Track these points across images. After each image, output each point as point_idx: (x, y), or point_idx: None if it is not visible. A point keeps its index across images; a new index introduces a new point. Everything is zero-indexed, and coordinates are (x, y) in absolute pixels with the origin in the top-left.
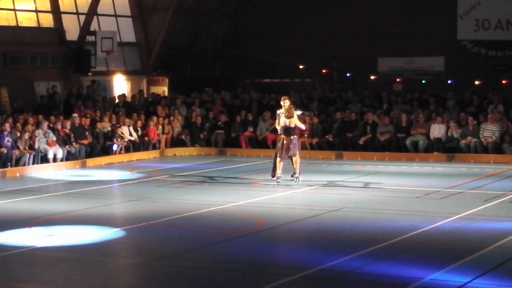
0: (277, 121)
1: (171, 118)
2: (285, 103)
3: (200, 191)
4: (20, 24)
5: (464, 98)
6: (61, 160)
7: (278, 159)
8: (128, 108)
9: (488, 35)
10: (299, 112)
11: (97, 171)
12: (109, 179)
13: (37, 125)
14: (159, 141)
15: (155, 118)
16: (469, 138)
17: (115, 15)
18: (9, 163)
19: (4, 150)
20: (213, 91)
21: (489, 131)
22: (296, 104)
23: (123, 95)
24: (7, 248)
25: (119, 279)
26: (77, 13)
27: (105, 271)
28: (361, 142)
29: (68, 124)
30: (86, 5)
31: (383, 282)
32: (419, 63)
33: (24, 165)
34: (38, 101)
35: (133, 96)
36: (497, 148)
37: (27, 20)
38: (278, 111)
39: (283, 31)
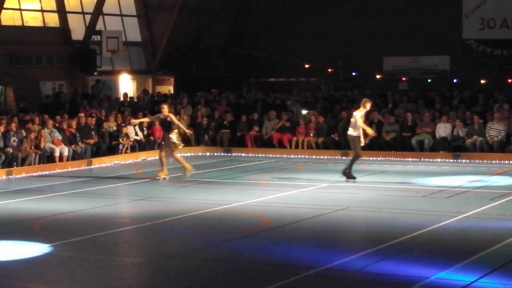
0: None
1: (177, 117)
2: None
3: (206, 190)
4: (25, 24)
5: (468, 96)
6: (67, 159)
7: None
8: (134, 107)
9: (494, 34)
10: (304, 111)
11: None
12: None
13: (43, 124)
14: None
15: None
16: (474, 137)
17: (121, 15)
18: (15, 163)
19: (10, 150)
20: (219, 91)
21: (495, 130)
22: (300, 103)
23: (126, 94)
24: (13, 247)
25: (124, 278)
26: (83, 13)
27: (110, 270)
28: (366, 141)
29: (74, 123)
30: (91, 4)
31: (389, 281)
32: (424, 62)
33: (30, 164)
34: (44, 100)
35: (138, 96)
36: (502, 146)
37: (32, 19)
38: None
39: (288, 30)
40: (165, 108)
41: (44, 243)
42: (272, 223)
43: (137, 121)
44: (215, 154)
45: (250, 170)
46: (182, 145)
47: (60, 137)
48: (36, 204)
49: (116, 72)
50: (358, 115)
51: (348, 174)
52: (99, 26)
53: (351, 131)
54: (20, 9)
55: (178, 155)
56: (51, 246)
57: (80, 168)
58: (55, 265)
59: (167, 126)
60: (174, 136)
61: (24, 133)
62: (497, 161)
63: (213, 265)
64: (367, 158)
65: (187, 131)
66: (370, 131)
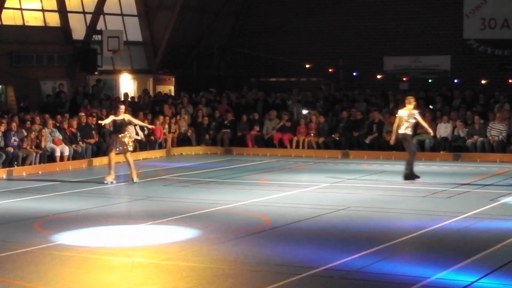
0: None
1: (178, 117)
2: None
3: (207, 190)
4: (26, 23)
5: (469, 96)
6: (68, 159)
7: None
8: (135, 107)
9: (494, 34)
10: (305, 111)
11: None
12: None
13: (44, 124)
14: (166, 140)
15: (161, 117)
16: (475, 137)
17: (121, 14)
18: (15, 162)
19: (11, 149)
20: (217, 91)
21: (496, 130)
22: (301, 103)
23: (126, 94)
24: (12, 247)
25: (125, 278)
26: (84, 12)
27: (111, 270)
28: (367, 141)
29: (74, 123)
30: (92, 4)
31: (389, 281)
32: (425, 62)
33: (30, 164)
34: (44, 100)
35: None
36: (502, 147)
37: (33, 19)
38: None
39: (289, 29)
40: (122, 109)
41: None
42: (273, 223)
43: (106, 121)
44: (216, 153)
45: (250, 170)
46: (131, 149)
47: (60, 137)
48: (36, 204)
49: (116, 72)
50: (405, 114)
51: (410, 175)
52: (100, 25)
53: (403, 130)
54: (21, 9)
55: (131, 159)
56: (52, 245)
57: (81, 167)
58: (55, 264)
59: (119, 128)
60: (126, 138)
61: (24, 133)
62: (498, 162)
63: (214, 265)
64: (367, 158)
65: (150, 126)
66: (429, 130)
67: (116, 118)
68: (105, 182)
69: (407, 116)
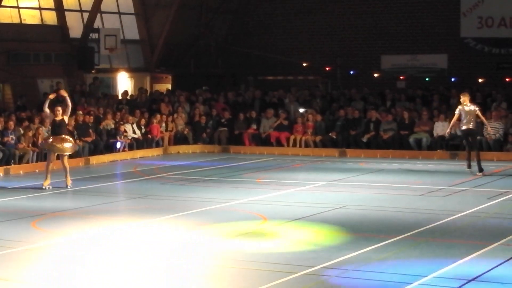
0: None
1: (175, 115)
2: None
3: (204, 188)
4: (23, 22)
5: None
6: None
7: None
8: (132, 105)
9: (492, 33)
10: (302, 110)
11: None
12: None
13: (41, 122)
14: (162, 139)
15: (158, 115)
16: None
17: (119, 13)
18: (12, 160)
19: (11, 140)
20: (210, 89)
21: (493, 129)
22: (299, 102)
23: (126, 92)
24: (10, 245)
25: (123, 276)
26: (81, 11)
27: (109, 268)
28: (364, 139)
29: (71, 121)
30: (89, 2)
31: (387, 279)
32: (422, 61)
33: (27, 162)
34: (41, 98)
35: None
36: (499, 145)
37: (30, 17)
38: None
39: (286, 28)
40: (59, 111)
41: None
42: (270, 221)
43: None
44: (213, 152)
45: (248, 168)
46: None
47: None
48: (34, 202)
49: (114, 70)
50: (467, 109)
51: (481, 169)
52: (97, 24)
53: (466, 126)
54: (18, 7)
55: (51, 163)
56: (49, 243)
57: (78, 166)
58: (54, 263)
59: (57, 129)
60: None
61: (21, 131)
62: (495, 160)
63: (211, 263)
64: (364, 157)
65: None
66: (490, 129)
67: (56, 118)
68: (43, 187)
69: (470, 111)
